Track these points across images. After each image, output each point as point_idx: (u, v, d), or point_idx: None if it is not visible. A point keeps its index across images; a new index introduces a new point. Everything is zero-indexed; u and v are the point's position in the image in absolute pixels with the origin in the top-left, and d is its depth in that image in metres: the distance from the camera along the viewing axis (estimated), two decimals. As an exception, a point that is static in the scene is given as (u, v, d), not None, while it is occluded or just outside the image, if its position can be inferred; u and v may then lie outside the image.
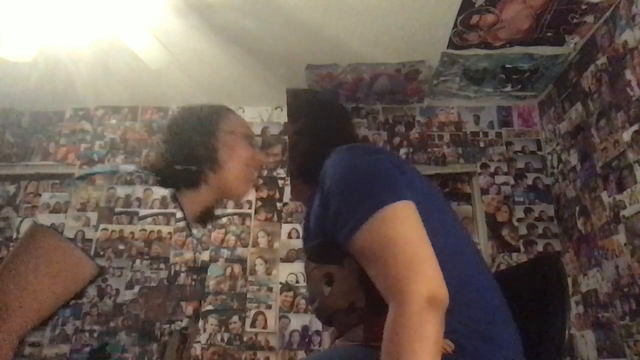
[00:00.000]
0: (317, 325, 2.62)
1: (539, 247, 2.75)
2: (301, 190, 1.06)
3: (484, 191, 2.90)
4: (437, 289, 0.68)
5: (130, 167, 1.06)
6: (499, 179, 2.93)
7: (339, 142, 0.95)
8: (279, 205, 2.93)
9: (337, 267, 0.85)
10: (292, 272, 2.74)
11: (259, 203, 2.93)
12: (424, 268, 0.69)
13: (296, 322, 2.63)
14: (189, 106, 1.20)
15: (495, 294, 0.83)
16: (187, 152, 1.09)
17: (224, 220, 2.86)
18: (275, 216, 2.90)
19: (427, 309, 0.66)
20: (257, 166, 1.18)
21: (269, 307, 2.67)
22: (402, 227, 0.73)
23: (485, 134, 3.07)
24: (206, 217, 1.16)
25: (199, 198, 1.10)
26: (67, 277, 0.90)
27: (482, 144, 3.04)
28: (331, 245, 0.82)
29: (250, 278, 2.73)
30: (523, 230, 2.80)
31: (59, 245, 0.92)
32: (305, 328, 2.62)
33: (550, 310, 0.90)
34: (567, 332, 0.87)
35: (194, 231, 1.10)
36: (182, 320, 1.02)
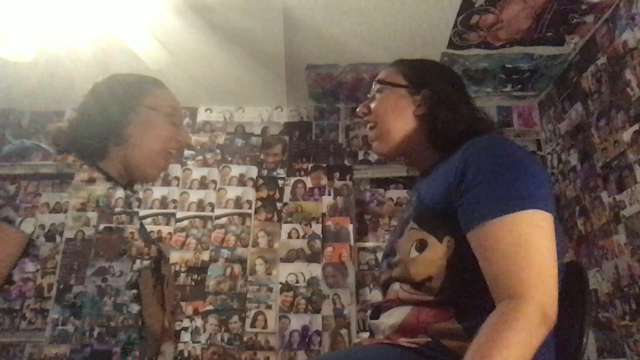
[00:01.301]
0: (317, 325, 2.62)
1: (539, 247, 2.74)
2: (424, 157, 1.04)
3: (484, 191, 2.90)
4: (551, 307, 0.69)
5: (34, 143, 1.06)
6: (499, 179, 2.93)
7: (470, 112, 1.01)
8: (279, 205, 2.93)
9: (436, 240, 0.84)
10: (292, 272, 2.74)
11: (259, 203, 2.92)
12: (550, 283, 0.70)
13: (296, 322, 2.63)
14: (118, 75, 1.15)
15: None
16: (92, 123, 1.06)
17: (224, 220, 2.86)
18: (275, 216, 2.89)
19: (540, 321, 0.67)
20: (177, 147, 1.14)
21: (269, 307, 2.66)
22: (543, 237, 0.74)
23: (485, 134, 3.06)
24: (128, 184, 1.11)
25: (108, 170, 1.07)
26: None
27: (482, 144, 3.04)
28: (444, 218, 0.82)
29: (250, 278, 2.73)
30: (523, 230, 2.79)
31: None
32: (305, 328, 2.61)
33: (571, 318, 0.89)
34: (585, 341, 0.87)
35: (119, 192, 1.05)
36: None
